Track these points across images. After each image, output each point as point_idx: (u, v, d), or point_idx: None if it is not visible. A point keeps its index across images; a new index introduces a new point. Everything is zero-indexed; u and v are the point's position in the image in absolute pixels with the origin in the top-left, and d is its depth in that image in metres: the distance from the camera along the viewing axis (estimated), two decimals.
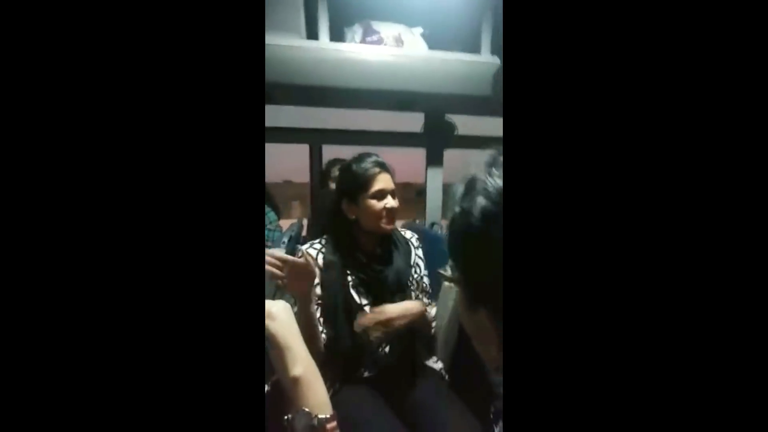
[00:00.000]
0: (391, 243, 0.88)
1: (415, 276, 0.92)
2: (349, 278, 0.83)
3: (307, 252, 0.79)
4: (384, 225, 0.83)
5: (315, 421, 0.37)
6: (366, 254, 0.85)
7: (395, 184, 0.85)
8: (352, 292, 0.83)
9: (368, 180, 0.81)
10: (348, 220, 0.84)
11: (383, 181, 0.82)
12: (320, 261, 0.83)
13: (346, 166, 0.86)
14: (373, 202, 0.81)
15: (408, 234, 0.95)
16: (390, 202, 0.82)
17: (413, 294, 0.90)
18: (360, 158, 0.84)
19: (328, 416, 0.38)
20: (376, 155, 0.85)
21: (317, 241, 0.87)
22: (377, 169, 0.82)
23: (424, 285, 0.93)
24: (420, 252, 0.95)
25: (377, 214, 0.82)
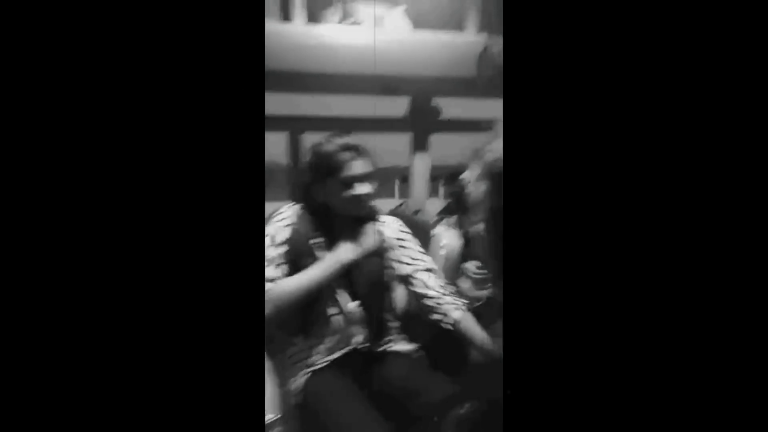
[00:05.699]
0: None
1: (409, 269, 0.85)
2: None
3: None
4: (354, 211, 0.79)
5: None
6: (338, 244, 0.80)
7: (375, 167, 0.79)
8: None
9: (336, 164, 0.76)
10: (318, 202, 0.80)
11: (354, 167, 0.76)
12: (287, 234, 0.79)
13: (315, 147, 0.80)
14: (341, 188, 0.76)
15: (392, 221, 0.89)
16: (359, 188, 0.76)
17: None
18: (329, 139, 0.79)
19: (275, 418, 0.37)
20: (348, 137, 0.79)
21: (284, 214, 0.82)
22: (346, 154, 0.76)
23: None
24: (410, 245, 0.87)
25: (345, 200, 0.77)
